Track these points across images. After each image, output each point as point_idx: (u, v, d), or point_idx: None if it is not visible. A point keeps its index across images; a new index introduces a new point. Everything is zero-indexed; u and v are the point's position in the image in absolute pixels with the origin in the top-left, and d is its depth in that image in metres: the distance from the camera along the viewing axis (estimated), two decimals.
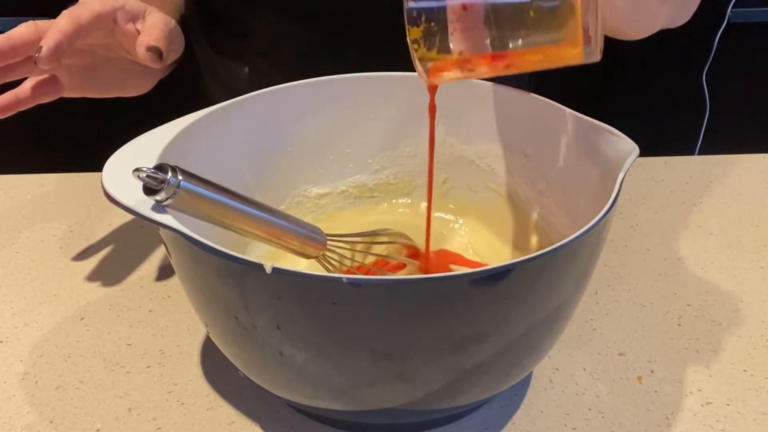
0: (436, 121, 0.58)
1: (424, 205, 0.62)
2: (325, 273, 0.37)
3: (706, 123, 1.68)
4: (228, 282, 0.39)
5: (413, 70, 0.57)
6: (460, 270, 0.58)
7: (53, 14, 0.55)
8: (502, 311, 0.39)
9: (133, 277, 0.64)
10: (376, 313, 0.38)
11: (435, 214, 0.62)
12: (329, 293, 0.37)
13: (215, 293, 0.41)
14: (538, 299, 0.41)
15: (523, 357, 0.45)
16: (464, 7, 0.41)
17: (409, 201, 0.64)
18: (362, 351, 0.39)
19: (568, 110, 0.52)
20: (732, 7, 1.53)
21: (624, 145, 0.47)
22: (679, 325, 0.59)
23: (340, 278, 0.36)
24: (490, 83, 0.55)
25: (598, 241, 0.44)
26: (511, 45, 0.42)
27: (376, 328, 0.39)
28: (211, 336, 0.47)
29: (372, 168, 0.62)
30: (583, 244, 0.40)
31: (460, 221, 0.62)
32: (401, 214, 0.63)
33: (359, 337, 0.39)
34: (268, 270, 0.36)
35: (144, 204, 0.41)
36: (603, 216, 0.41)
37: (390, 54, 0.62)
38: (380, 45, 0.67)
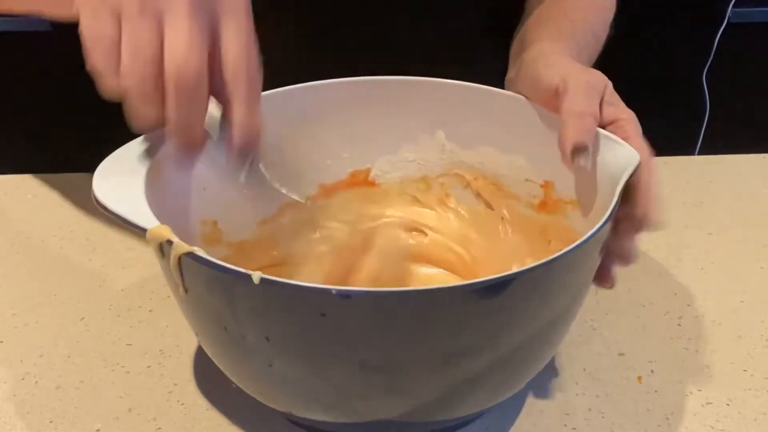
0: (435, 126, 0.58)
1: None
2: (314, 284, 0.36)
3: (706, 123, 1.68)
4: (216, 292, 0.39)
5: (412, 74, 0.57)
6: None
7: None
8: (497, 324, 0.38)
9: (133, 277, 0.64)
10: (366, 325, 0.37)
11: None
12: (318, 304, 0.36)
13: (204, 303, 0.41)
14: (534, 311, 0.39)
15: (518, 370, 0.44)
16: None
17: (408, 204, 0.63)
18: (352, 363, 0.38)
19: None
20: (732, 7, 1.53)
21: (623, 152, 0.45)
22: (679, 325, 0.59)
23: (330, 290, 0.35)
24: (489, 88, 0.55)
25: (596, 251, 0.43)
26: None
27: (367, 340, 0.37)
28: (202, 345, 0.47)
29: (371, 173, 0.61)
30: (580, 255, 0.39)
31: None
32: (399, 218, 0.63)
33: (349, 350, 0.38)
34: (256, 280, 0.35)
35: (133, 212, 0.40)
36: (600, 227, 0.40)
37: (389, 57, 0.62)
38: (380, 48, 0.67)
